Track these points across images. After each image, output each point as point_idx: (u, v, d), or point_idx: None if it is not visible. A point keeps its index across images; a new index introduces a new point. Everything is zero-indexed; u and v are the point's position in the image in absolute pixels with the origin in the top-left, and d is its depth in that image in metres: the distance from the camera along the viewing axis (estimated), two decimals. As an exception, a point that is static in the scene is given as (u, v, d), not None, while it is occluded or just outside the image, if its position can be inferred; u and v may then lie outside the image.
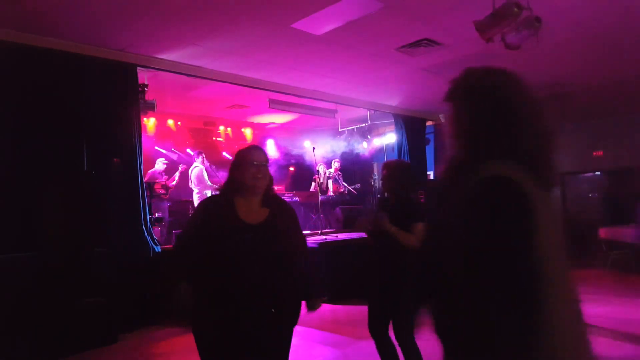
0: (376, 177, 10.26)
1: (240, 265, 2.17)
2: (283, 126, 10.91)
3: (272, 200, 2.39)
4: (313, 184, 9.63)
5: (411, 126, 9.56)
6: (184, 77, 6.35)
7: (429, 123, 10.15)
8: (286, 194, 9.31)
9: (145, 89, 6.21)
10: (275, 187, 2.61)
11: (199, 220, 2.32)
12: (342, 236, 7.39)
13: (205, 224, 2.26)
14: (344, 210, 9.16)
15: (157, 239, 5.98)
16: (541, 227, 1.12)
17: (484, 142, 1.21)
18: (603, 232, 8.14)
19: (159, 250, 5.70)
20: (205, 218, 2.28)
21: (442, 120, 10.15)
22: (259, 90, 7.19)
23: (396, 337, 3.00)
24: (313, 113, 8.70)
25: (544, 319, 1.12)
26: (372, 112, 9.46)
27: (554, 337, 1.12)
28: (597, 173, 11.30)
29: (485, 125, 1.22)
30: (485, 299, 1.11)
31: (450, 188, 1.24)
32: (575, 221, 9.42)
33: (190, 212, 8.51)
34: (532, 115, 1.23)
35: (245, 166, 2.30)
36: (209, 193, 8.29)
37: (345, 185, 10.03)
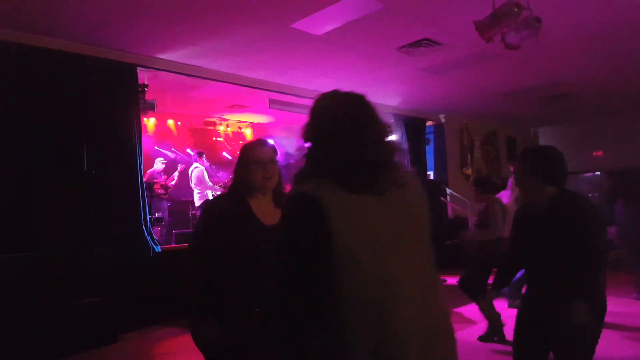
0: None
1: (263, 272, 1.95)
2: (283, 126, 10.91)
3: (283, 198, 2.17)
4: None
5: (411, 126, 9.55)
6: (184, 77, 6.34)
7: (429, 123, 10.15)
8: (286, 194, 9.28)
9: (145, 89, 6.21)
10: None
11: (210, 229, 2.11)
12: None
13: (221, 231, 2.06)
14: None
15: (157, 239, 5.99)
16: (345, 239, 1.21)
17: (309, 162, 1.35)
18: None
19: (159, 250, 5.70)
20: (219, 225, 2.08)
21: (442, 120, 10.16)
22: (259, 90, 7.19)
23: None
24: (313, 113, 8.68)
25: (341, 331, 1.21)
26: (372, 112, 9.44)
27: (350, 348, 1.20)
28: (597, 173, 11.31)
29: (311, 146, 1.35)
30: (279, 308, 1.27)
31: None
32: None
33: (191, 212, 8.53)
34: (357, 135, 1.31)
35: (252, 165, 2.10)
36: (210, 193, 8.29)
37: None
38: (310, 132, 1.38)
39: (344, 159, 1.29)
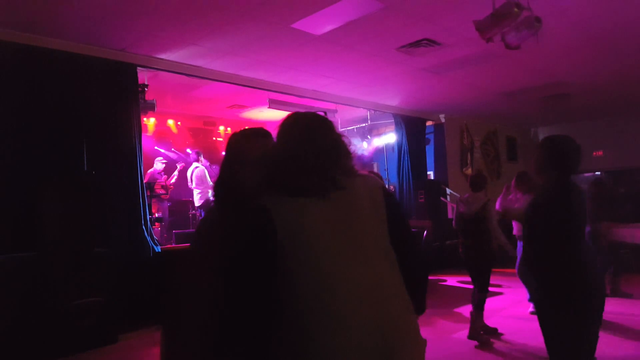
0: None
1: None
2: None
3: None
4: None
5: (411, 126, 9.56)
6: (184, 77, 6.35)
7: (429, 123, 10.16)
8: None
9: (145, 89, 6.21)
10: None
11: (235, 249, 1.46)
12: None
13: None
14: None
15: (157, 239, 5.99)
16: (288, 239, 1.34)
17: (266, 179, 1.48)
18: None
19: (159, 250, 5.70)
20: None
21: (442, 120, 10.16)
22: (259, 90, 7.19)
23: None
24: (313, 113, 8.68)
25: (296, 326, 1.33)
26: (372, 112, 9.46)
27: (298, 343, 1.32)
28: (597, 173, 11.30)
29: (269, 167, 1.49)
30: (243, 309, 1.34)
31: None
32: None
33: (190, 212, 8.53)
34: (299, 149, 1.46)
35: (252, 164, 1.59)
36: (210, 192, 8.29)
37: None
38: (269, 154, 1.54)
39: (287, 169, 1.45)
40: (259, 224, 1.37)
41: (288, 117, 1.56)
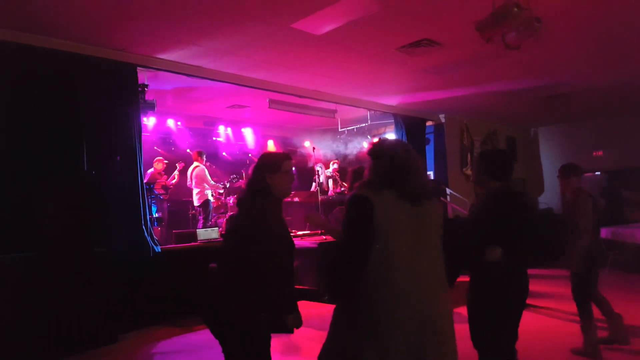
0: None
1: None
2: (283, 126, 10.92)
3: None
4: (313, 184, 9.62)
5: (411, 126, 9.55)
6: (184, 77, 6.35)
7: (429, 123, 10.15)
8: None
9: (145, 89, 6.21)
10: None
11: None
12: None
13: None
14: (343, 210, 9.11)
15: (157, 239, 5.99)
16: (380, 220, 1.93)
17: (370, 175, 2.14)
18: (603, 233, 8.11)
19: (159, 250, 5.70)
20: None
21: (442, 120, 10.16)
22: (259, 90, 7.19)
23: None
24: (313, 113, 8.69)
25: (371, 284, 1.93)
26: (372, 112, 9.45)
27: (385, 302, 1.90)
28: (597, 173, 11.31)
29: (374, 167, 2.14)
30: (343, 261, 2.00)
31: None
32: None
33: (190, 212, 8.53)
34: (395, 165, 2.06)
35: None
36: (210, 193, 8.29)
37: (345, 185, 10.01)
38: (376, 159, 2.13)
39: (397, 179, 2.03)
40: (365, 205, 1.95)
41: (393, 144, 2.23)
